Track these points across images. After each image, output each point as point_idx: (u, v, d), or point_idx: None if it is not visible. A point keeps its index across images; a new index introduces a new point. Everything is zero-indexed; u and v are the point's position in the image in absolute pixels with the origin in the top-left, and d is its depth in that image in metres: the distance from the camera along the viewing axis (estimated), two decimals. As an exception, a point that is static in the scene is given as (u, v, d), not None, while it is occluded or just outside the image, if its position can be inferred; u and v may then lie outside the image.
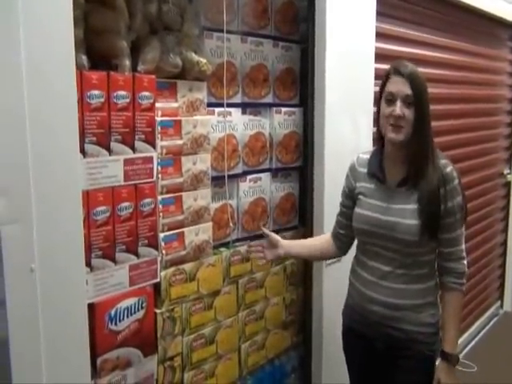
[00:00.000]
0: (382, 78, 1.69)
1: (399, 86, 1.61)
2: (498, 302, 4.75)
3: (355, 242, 1.87)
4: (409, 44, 2.89)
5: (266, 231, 1.94)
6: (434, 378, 1.71)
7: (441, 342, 1.72)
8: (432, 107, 1.67)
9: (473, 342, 4.10)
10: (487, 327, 4.43)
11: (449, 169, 1.65)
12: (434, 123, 1.69)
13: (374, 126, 2.26)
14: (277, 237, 1.93)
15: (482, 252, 4.18)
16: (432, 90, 1.72)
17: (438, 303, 1.75)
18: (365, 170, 1.77)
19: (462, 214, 1.68)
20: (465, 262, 1.71)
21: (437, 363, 1.74)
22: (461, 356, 3.74)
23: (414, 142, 1.62)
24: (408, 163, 1.66)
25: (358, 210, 1.77)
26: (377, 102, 1.72)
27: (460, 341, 3.84)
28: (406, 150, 1.65)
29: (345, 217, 1.87)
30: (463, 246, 1.72)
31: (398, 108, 1.60)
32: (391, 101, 1.62)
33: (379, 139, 1.75)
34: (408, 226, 1.63)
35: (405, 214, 1.65)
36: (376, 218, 1.70)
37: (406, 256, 1.68)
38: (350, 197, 1.83)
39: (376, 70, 2.40)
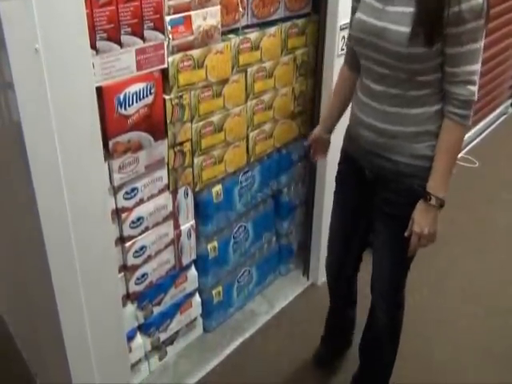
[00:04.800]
0: None
1: None
2: (509, 101, 4.73)
3: None
4: None
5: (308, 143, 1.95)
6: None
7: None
8: None
9: (478, 139, 4.18)
10: (494, 125, 4.48)
11: None
12: None
13: None
14: (319, 135, 1.90)
15: (498, 50, 4.03)
16: None
17: None
18: None
19: (478, 23, 1.33)
20: (472, 87, 1.42)
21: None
22: (464, 151, 3.86)
23: None
24: None
25: (356, 13, 1.53)
26: None
27: (464, 137, 3.91)
28: None
29: None
30: (474, 68, 1.39)
31: None
32: None
33: None
34: (397, 34, 1.38)
35: (398, 18, 1.39)
36: (368, 22, 1.46)
37: (400, 72, 1.44)
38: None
39: None
